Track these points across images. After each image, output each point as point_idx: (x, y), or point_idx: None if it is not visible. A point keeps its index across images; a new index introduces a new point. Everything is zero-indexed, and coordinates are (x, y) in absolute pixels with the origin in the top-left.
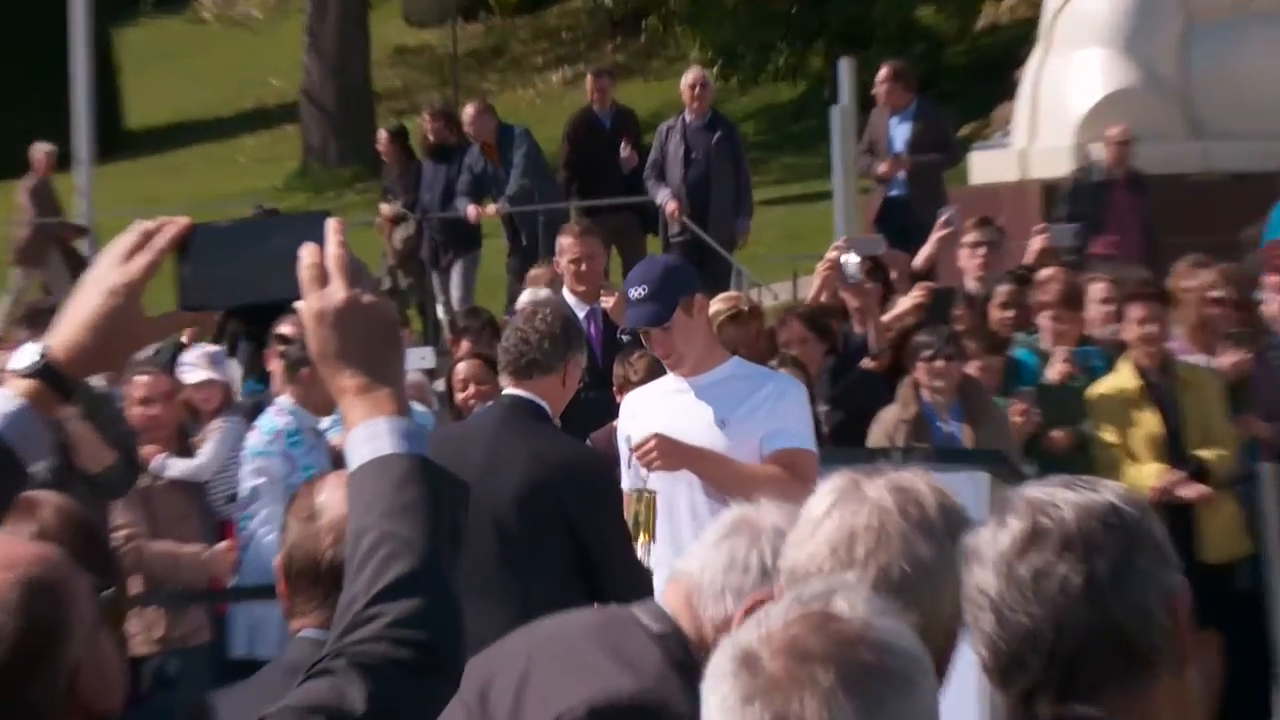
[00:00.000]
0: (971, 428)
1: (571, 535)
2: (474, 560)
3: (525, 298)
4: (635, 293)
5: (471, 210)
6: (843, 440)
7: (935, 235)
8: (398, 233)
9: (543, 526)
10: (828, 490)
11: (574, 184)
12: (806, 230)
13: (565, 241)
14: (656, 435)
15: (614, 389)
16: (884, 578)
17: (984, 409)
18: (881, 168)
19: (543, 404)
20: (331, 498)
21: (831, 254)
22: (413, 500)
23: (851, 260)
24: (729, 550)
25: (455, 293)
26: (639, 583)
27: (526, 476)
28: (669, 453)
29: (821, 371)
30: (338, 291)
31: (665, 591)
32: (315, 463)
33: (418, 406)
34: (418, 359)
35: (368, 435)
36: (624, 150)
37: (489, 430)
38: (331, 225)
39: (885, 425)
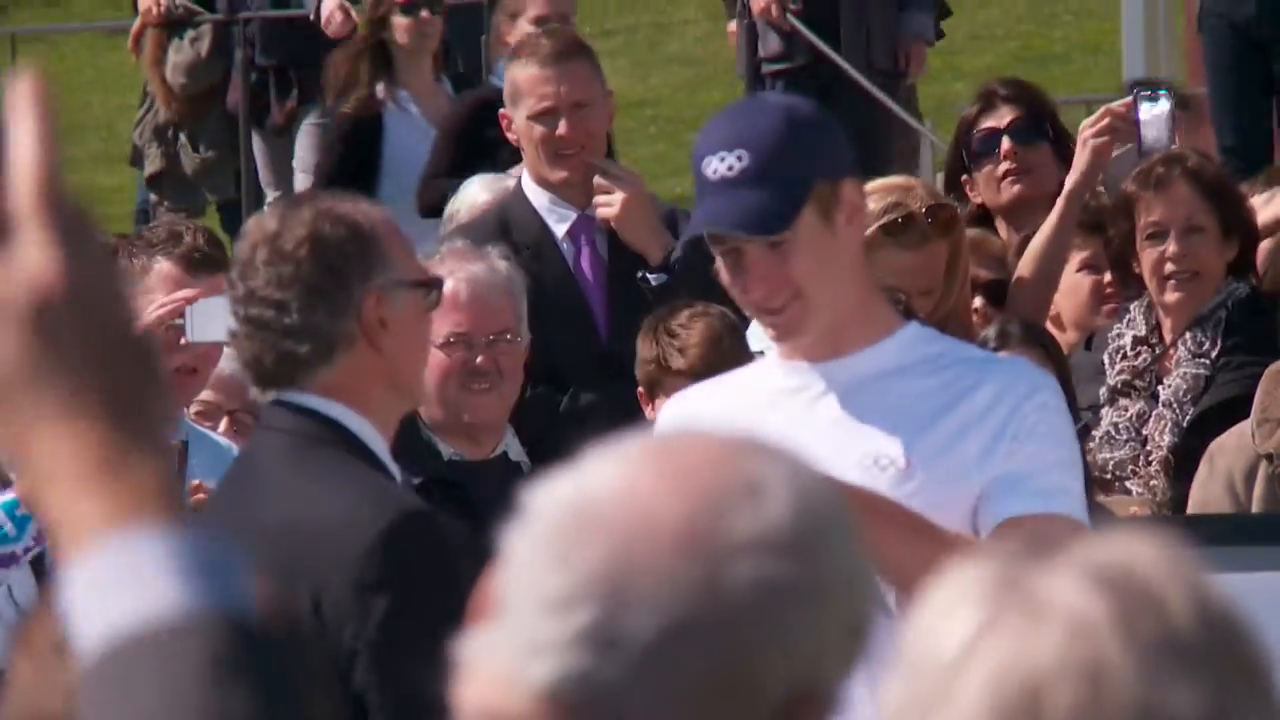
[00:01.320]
0: None
1: (341, 676)
2: None
3: (465, 196)
4: (720, 163)
5: (331, 4)
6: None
7: None
8: (176, 54)
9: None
10: (965, 596)
11: None
12: (1070, 46)
13: (524, 74)
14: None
15: (639, 384)
16: None
17: None
18: None
19: (334, 412)
20: None
21: (1118, 106)
22: None
23: (1157, 106)
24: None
25: (301, 179)
26: None
27: (269, 572)
28: None
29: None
30: (35, 254)
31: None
32: None
33: (212, 435)
34: (215, 318)
35: (114, 572)
36: None
37: (256, 484)
38: (25, 88)
39: (1227, 462)
